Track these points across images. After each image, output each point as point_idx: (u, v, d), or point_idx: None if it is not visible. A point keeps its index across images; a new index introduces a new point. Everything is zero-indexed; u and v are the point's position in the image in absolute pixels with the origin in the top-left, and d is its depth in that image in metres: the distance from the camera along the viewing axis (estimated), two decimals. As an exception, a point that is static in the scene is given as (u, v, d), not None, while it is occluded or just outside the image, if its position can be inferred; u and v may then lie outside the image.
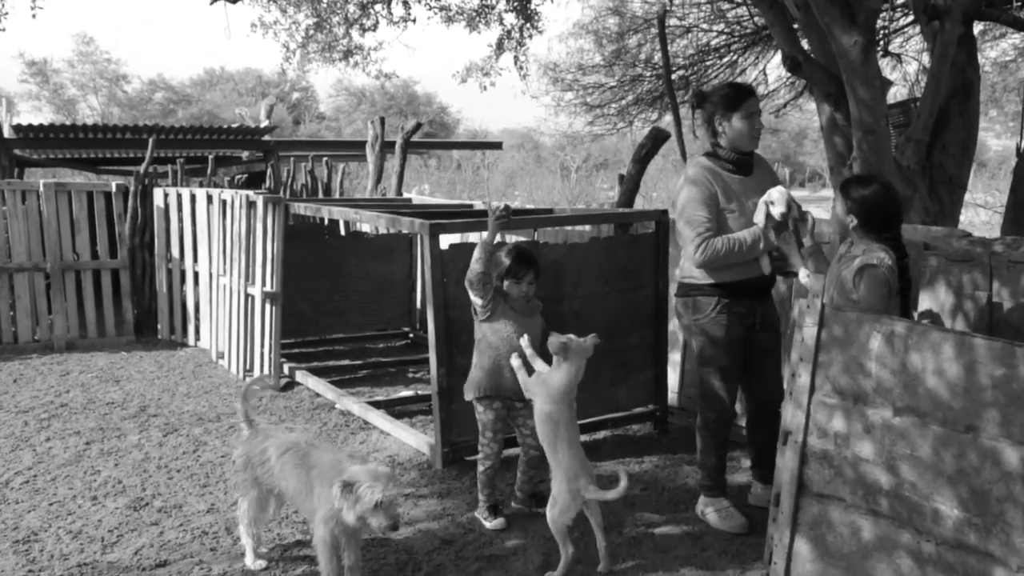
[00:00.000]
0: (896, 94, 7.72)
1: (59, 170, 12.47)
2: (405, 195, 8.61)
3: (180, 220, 7.09)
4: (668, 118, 8.26)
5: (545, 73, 9.87)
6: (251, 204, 5.88)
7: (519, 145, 32.37)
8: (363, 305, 7.05)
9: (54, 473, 4.13)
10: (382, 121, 9.39)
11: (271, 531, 3.45)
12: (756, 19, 8.25)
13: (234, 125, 11.76)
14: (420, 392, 5.42)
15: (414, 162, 22.31)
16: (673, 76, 8.02)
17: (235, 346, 6.11)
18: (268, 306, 5.73)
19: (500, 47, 8.00)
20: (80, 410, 5.18)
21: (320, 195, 9.50)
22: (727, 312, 3.43)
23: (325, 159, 10.19)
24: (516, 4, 7.64)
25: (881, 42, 7.67)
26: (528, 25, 7.82)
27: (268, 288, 5.71)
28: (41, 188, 6.77)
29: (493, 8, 7.78)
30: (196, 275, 7.01)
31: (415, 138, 9.75)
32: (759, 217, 3.31)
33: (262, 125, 11.34)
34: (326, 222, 7.23)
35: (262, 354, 5.75)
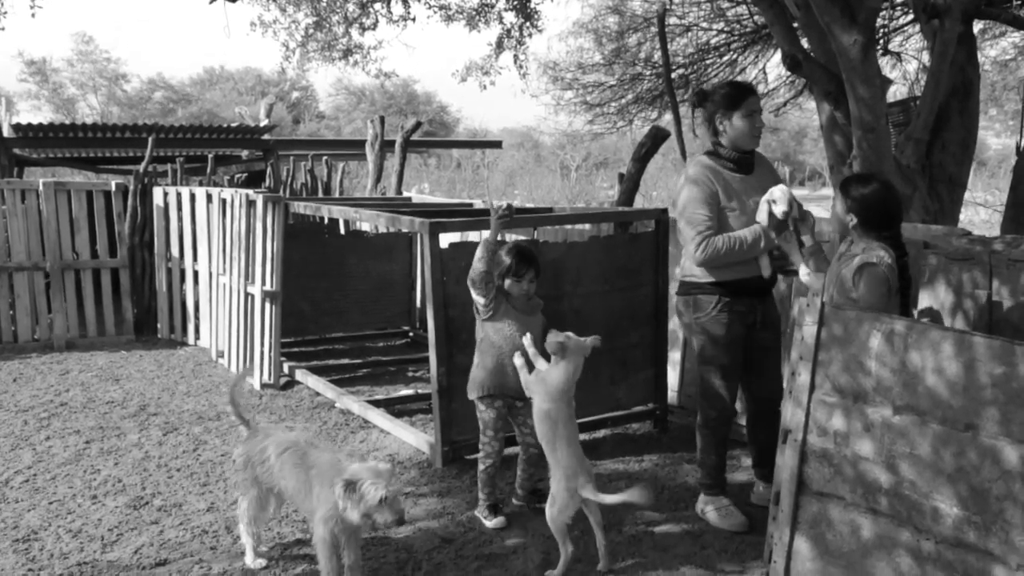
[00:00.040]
0: (896, 93, 7.71)
1: (59, 169, 12.47)
2: (405, 194, 8.61)
3: (180, 219, 7.08)
4: (668, 117, 8.25)
5: (545, 72, 9.87)
6: (251, 203, 5.87)
7: (519, 144, 32.38)
8: (363, 304, 7.05)
9: (54, 472, 4.13)
10: (382, 120, 9.39)
11: (271, 530, 3.46)
12: (756, 18, 8.24)
13: (234, 124, 11.75)
14: (420, 391, 5.42)
15: (414, 161, 22.31)
16: (673, 75, 8.01)
17: (235, 345, 6.10)
18: (268, 305, 5.73)
19: (500, 46, 7.99)
20: (80, 409, 5.18)
21: (320, 194, 9.50)
22: (728, 311, 3.43)
23: (325, 158, 10.19)
24: (516, 3, 7.63)
25: (881, 41, 7.67)
26: (528, 24, 7.81)
27: (268, 287, 5.71)
28: (41, 187, 6.77)
29: (493, 7, 7.78)
30: (196, 274, 7.01)
31: (415, 137, 9.75)
32: (761, 215, 3.31)
33: (262, 124, 11.33)
34: (326, 221, 7.23)
35: (262, 353, 5.75)
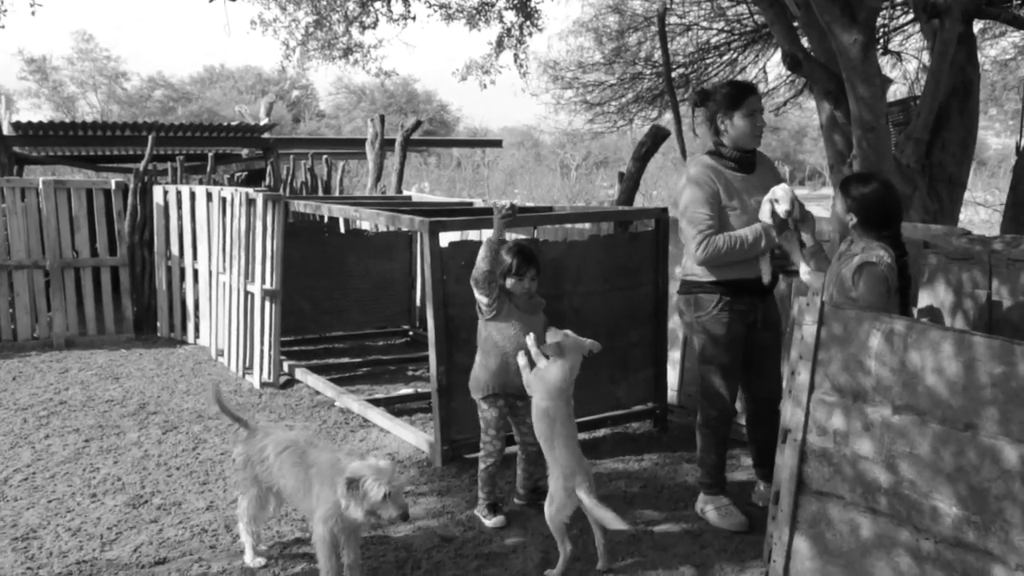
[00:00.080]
0: (896, 92, 7.71)
1: (58, 167, 12.46)
2: (405, 193, 8.61)
3: (180, 217, 7.08)
4: (668, 116, 8.25)
5: (545, 71, 9.86)
6: (251, 202, 5.87)
7: (519, 143, 32.36)
8: (363, 303, 7.05)
9: (53, 470, 4.13)
10: (382, 119, 9.39)
11: (270, 529, 3.46)
12: (756, 17, 8.24)
13: (234, 123, 11.75)
14: (420, 390, 5.43)
15: (414, 160, 22.31)
16: (673, 74, 8.01)
17: (235, 344, 6.10)
18: (268, 304, 5.73)
19: (500, 45, 7.99)
20: (79, 407, 5.18)
21: (320, 193, 9.50)
22: (728, 310, 3.44)
23: (325, 157, 10.18)
24: (516, 2, 7.63)
25: (881, 40, 7.67)
26: (528, 23, 7.80)
27: (268, 286, 5.71)
28: (40, 185, 6.77)
29: (493, 6, 7.77)
30: (196, 273, 7.01)
31: (415, 136, 9.74)
32: (764, 214, 3.32)
33: (262, 123, 11.33)
34: (326, 220, 7.23)
35: (261, 352, 5.75)
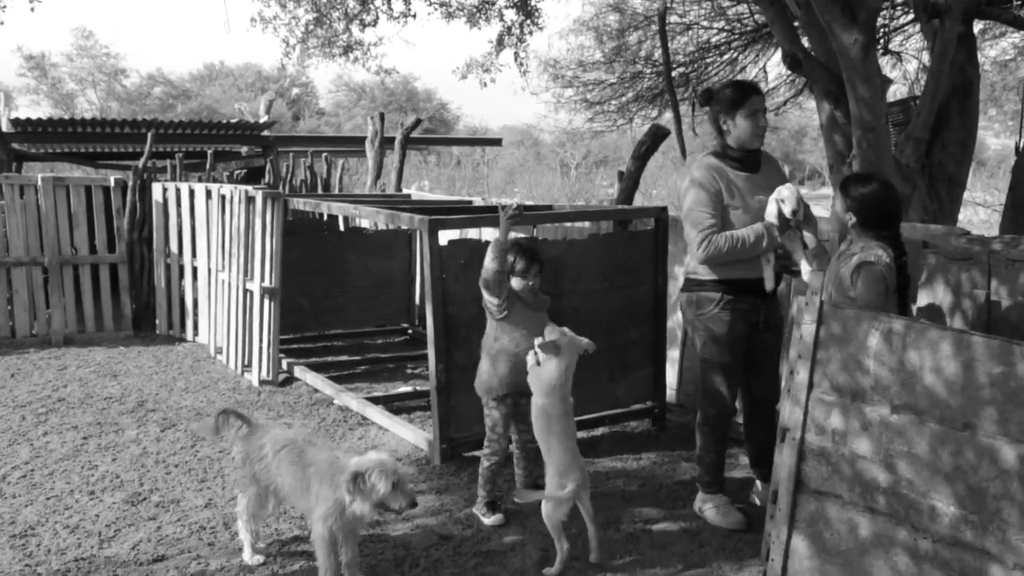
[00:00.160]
0: (896, 92, 7.70)
1: (57, 164, 12.47)
2: (404, 191, 8.61)
3: (179, 215, 7.08)
4: (668, 115, 8.23)
5: (545, 70, 9.85)
6: (250, 199, 5.87)
7: (519, 142, 32.33)
8: (362, 301, 7.05)
9: (51, 468, 4.13)
10: (382, 117, 9.38)
11: (269, 526, 3.46)
12: (756, 17, 8.23)
13: (233, 120, 11.74)
14: (418, 388, 5.43)
15: (414, 158, 22.30)
16: (673, 73, 8.00)
17: (233, 342, 6.10)
18: (267, 302, 5.73)
19: (500, 43, 7.98)
20: (78, 405, 5.18)
21: (319, 190, 9.49)
22: (731, 309, 3.45)
23: (324, 155, 10.18)
24: (516, 0, 7.62)
25: (881, 40, 7.66)
26: (528, 21, 7.80)
27: (267, 284, 5.70)
28: (39, 182, 6.76)
29: (493, 4, 7.77)
30: (195, 270, 7.00)
31: (415, 134, 9.75)
32: (770, 215, 3.33)
33: (261, 120, 11.32)
34: (325, 218, 7.23)
35: (260, 350, 5.75)
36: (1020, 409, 2.22)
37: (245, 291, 5.95)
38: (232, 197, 6.13)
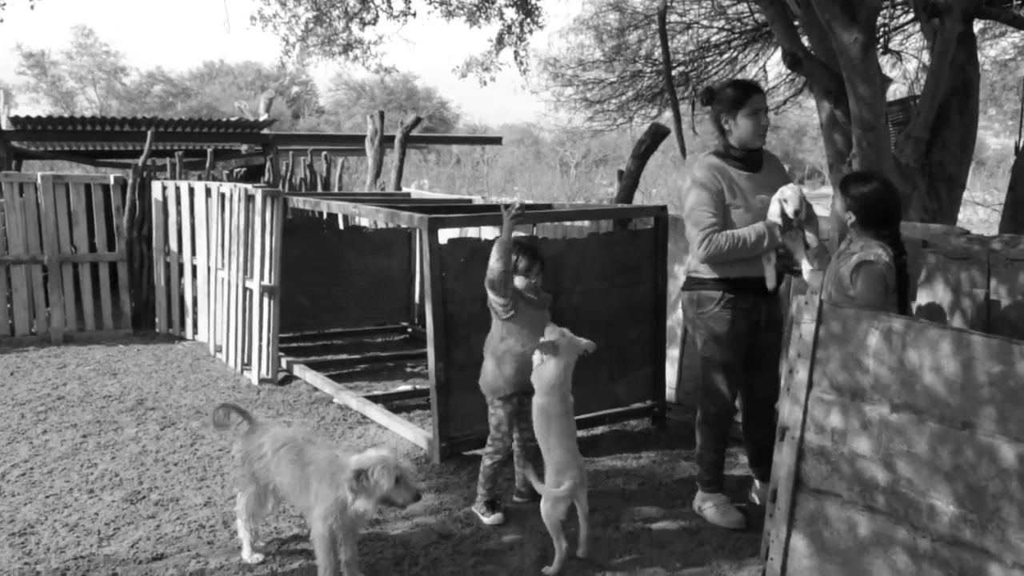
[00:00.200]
0: (896, 92, 7.70)
1: (57, 162, 12.46)
2: (404, 190, 8.60)
3: (178, 213, 7.08)
4: (668, 114, 8.23)
5: (545, 68, 9.85)
6: (250, 198, 5.87)
7: (519, 140, 32.31)
8: (361, 299, 7.05)
9: (51, 466, 4.13)
10: (381, 115, 9.37)
11: (268, 525, 3.46)
12: (756, 16, 8.23)
13: (233, 118, 11.74)
14: (418, 387, 5.43)
15: (413, 157, 22.28)
16: (673, 72, 8.00)
17: (233, 340, 6.10)
18: (266, 300, 5.73)
19: (500, 42, 7.98)
20: (77, 403, 5.18)
21: (319, 189, 9.49)
22: (731, 307, 3.45)
23: (324, 153, 10.18)
24: (516, -1, 7.62)
25: (881, 39, 7.66)
26: (528, 20, 7.80)
27: (266, 282, 5.70)
28: (39, 180, 6.76)
29: (493, 3, 7.76)
30: (194, 268, 7.00)
31: (414, 133, 9.73)
32: (773, 214, 3.33)
33: (261, 119, 11.31)
34: (325, 216, 7.22)
35: (260, 348, 5.75)
36: (1019, 408, 2.22)
37: (245, 289, 5.95)
38: (232, 195, 6.12)
